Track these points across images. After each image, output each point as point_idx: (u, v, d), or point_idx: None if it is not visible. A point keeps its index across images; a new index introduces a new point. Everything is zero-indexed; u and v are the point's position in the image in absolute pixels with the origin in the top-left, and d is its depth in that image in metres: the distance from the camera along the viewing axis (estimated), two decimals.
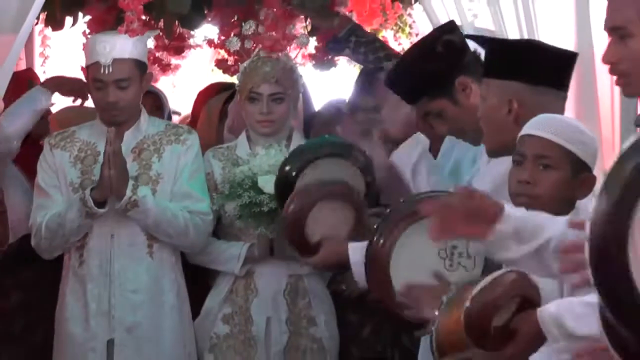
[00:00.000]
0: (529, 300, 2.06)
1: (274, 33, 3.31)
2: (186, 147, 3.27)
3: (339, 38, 3.40)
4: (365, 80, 3.72)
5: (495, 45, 2.63)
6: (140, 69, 3.20)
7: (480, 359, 2.17)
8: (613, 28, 1.85)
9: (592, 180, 2.28)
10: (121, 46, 3.15)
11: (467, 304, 2.10)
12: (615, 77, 2.13)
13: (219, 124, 3.63)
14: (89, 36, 3.48)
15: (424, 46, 2.94)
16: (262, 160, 3.25)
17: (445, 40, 2.85)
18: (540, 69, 2.48)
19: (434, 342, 2.20)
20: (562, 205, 2.24)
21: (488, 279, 2.13)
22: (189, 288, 3.37)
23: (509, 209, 2.07)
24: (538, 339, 2.02)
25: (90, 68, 3.13)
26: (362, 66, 3.82)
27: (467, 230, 1.87)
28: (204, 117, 3.78)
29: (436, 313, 2.23)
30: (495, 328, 2.06)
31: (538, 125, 2.25)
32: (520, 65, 2.51)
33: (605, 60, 1.92)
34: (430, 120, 2.82)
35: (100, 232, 3.17)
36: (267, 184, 3.19)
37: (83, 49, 3.34)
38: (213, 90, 3.91)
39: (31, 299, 3.48)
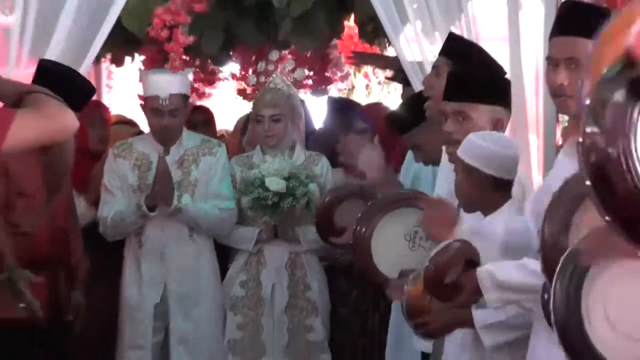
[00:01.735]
0: (472, 262, 2.30)
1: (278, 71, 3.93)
2: (216, 158, 3.75)
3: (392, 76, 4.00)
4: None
5: (482, 79, 2.83)
6: (185, 100, 3.68)
7: (437, 317, 2.50)
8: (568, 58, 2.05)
9: (508, 186, 2.52)
10: (174, 84, 3.62)
11: (426, 264, 2.35)
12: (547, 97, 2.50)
13: (241, 136, 4.21)
14: (143, 70, 4.06)
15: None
16: (268, 166, 3.65)
17: None
18: (509, 96, 2.79)
19: (404, 307, 2.55)
20: (479, 204, 2.54)
21: (441, 245, 2.39)
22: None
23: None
24: (478, 291, 2.27)
25: (149, 99, 3.61)
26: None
27: None
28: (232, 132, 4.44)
29: (405, 287, 2.55)
30: (447, 284, 2.30)
31: (467, 151, 2.52)
32: (505, 94, 2.78)
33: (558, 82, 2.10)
34: None
35: (155, 224, 3.67)
36: (272, 183, 3.61)
37: (140, 81, 3.88)
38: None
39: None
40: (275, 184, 3.60)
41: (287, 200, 3.60)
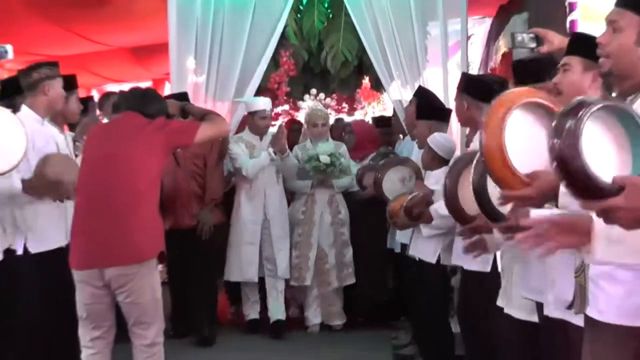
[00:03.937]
0: (429, 202, 3.62)
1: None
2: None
3: None
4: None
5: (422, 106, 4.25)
6: (271, 113, 5.69)
7: (402, 221, 3.89)
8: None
9: (447, 162, 3.58)
10: (270, 105, 5.52)
11: (404, 204, 3.67)
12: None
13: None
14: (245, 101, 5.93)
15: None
16: (320, 147, 5.54)
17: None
18: (440, 114, 4.18)
19: (388, 213, 4.04)
20: (432, 168, 3.81)
21: (412, 195, 3.72)
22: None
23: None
24: (431, 219, 3.59)
25: (260, 112, 5.49)
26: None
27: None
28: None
29: (390, 203, 4.04)
30: (416, 213, 3.64)
31: (433, 141, 3.84)
32: (436, 112, 4.16)
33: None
34: None
35: (259, 173, 5.54)
36: (323, 158, 5.45)
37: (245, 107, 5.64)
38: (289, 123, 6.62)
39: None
40: (324, 158, 5.54)
41: (331, 168, 5.61)
